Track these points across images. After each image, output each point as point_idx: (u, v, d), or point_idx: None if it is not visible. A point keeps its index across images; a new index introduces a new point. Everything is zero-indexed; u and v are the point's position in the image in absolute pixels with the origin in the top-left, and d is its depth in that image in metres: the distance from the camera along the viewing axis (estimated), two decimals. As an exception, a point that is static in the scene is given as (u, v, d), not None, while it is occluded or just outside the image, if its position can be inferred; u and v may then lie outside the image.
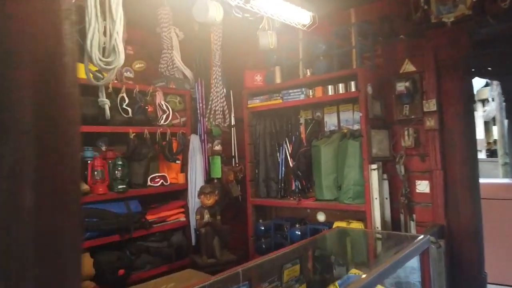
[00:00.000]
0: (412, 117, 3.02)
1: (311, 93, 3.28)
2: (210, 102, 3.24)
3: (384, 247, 2.71)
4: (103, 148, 3.18)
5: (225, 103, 3.27)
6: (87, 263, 2.84)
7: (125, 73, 3.38)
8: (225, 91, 3.24)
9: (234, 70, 3.78)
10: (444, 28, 2.85)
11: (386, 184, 3.07)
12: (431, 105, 2.90)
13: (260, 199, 3.60)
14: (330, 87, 3.18)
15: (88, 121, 2.92)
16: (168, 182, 3.43)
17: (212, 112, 3.20)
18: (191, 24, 3.60)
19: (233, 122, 3.83)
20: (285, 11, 2.71)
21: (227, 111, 3.31)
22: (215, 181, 3.70)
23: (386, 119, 3.15)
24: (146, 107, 3.26)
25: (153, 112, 3.29)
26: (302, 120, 3.44)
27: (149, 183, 3.31)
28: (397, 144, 3.12)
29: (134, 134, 3.15)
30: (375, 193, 2.90)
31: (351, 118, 3.34)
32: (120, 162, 3.08)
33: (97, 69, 1.98)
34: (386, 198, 3.06)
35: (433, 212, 2.93)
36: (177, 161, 3.41)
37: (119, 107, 3.07)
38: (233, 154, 3.91)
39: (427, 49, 2.97)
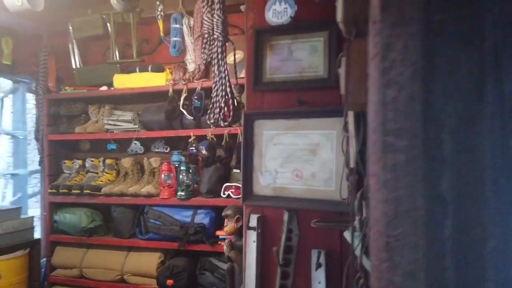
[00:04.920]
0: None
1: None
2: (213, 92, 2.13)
3: None
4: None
5: (229, 89, 2.05)
6: (153, 261, 2.97)
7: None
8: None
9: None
10: None
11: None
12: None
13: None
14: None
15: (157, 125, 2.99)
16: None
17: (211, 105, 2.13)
18: None
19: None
20: None
21: (230, 100, 2.06)
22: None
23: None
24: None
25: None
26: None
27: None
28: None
29: (194, 137, 2.82)
30: None
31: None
32: (183, 168, 2.88)
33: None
34: None
35: None
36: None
37: (181, 109, 2.87)
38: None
39: None
